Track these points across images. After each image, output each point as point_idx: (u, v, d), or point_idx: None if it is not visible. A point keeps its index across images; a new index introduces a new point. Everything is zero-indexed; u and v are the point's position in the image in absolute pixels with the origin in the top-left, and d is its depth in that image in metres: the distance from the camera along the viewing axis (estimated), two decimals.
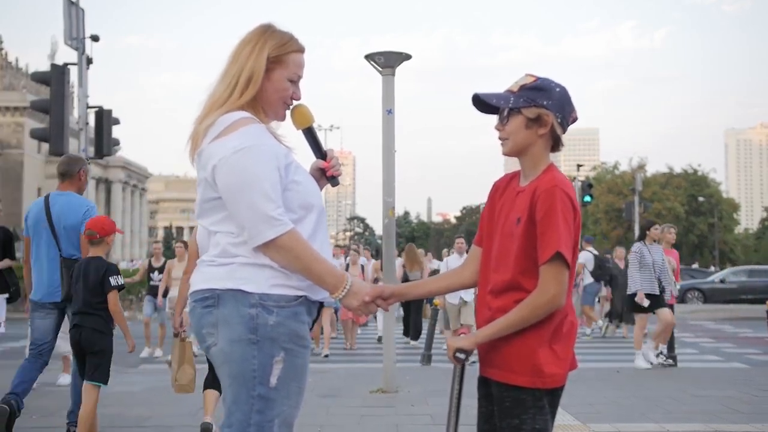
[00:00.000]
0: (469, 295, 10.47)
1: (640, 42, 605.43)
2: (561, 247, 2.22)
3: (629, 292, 9.45)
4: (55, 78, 11.08)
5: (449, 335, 11.95)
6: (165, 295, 11.32)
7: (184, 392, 3.94)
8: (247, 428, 2.31)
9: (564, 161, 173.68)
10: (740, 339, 14.58)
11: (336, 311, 12.67)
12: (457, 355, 2.33)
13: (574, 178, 34.99)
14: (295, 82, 2.51)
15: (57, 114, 10.95)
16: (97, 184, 72.25)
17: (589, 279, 14.35)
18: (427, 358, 10.20)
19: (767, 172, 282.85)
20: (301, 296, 2.37)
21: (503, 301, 2.31)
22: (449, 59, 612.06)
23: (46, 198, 5.52)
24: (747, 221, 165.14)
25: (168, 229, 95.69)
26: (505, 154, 2.42)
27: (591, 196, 27.21)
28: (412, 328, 13.63)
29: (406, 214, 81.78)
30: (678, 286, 10.19)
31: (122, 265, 34.89)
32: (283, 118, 2.56)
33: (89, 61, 11.82)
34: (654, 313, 9.29)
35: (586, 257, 14.24)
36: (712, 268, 44.06)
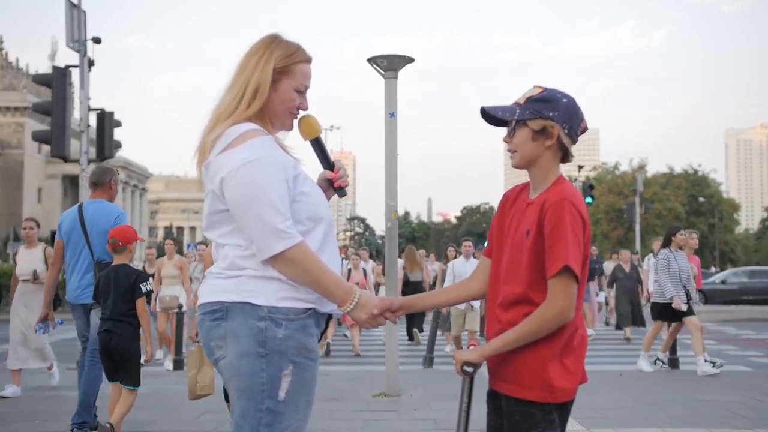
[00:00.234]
0: (476, 301, 10.45)
1: (639, 42, 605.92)
2: (569, 260, 2.20)
3: (657, 299, 9.30)
4: (57, 80, 11.06)
5: (450, 339, 11.95)
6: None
7: (205, 393, 3.96)
8: None
9: None
10: (742, 341, 14.57)
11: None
12: (465, 368, 2.32)
13: (575, 179, 34.97)
14: (302, 92, 2.50)
15: (58, 116, 10.93)
16: None
17: None
18: (429, 361, 10.18)
19: (767, 172, 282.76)
20: (309, 309, 2.36)
21: (512, 315, 2.30)
22: (449, 59, 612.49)
23: (80, 206, 5.97)
24: (747, 221, 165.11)
25: (168, 229, 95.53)
26: (515, 166, 2.41)
27: (592, 197, 27.21)
28: (416, 322, 13.93)
29: (407, 214, 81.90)
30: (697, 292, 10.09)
31: None
32: (290, 129, 2.54)
33: (91, 63, 11.78)
34: (681, 321, 9.17)
35: None
36: (713, 269, 44.03)
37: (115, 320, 5.05)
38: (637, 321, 14.32)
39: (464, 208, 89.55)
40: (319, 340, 2.44)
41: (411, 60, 7.85)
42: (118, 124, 11.86)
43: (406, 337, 14.22)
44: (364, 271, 12.86)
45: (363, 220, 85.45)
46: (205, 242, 12.17)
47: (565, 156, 2.39)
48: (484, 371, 2.37)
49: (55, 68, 11.29)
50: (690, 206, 62.69)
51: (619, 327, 14.91)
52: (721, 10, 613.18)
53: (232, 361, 2.32)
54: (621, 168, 67.69)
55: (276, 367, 2.29)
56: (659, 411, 6.67)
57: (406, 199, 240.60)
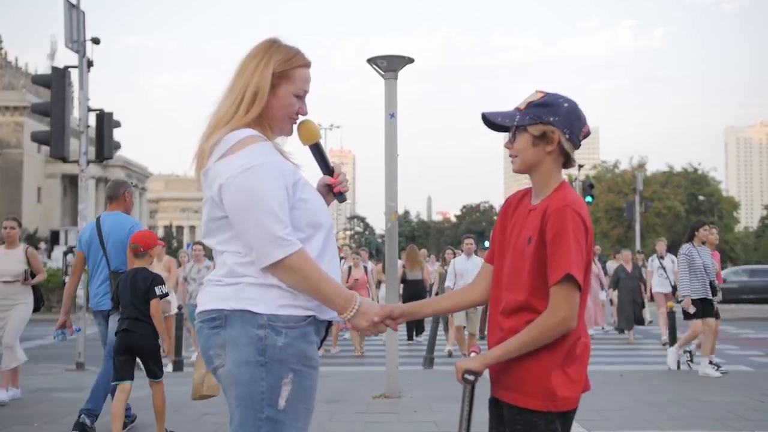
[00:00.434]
0: None
1: (639, 42, 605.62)
2: (571, 268, 2.18)
3: (679, 297, 9.07)
4: (56, 81, 11.01)
5: (450, 339, 11.94)
6: None
7: (211, 393, 3.95)
8: None
9: None
10: (742, 340, 14.55)
11: None
12: (466, 376, 2.30)
13: (575, 177, 34.93)
14: (301, 97, 2.47)
15: (58, 117, 10.89)
16: (97, 183, 72.04)
17: None
18: (429, 361, 10.18)
19: (767, 170, 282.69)
20: (309, 316, 2.33)
21: (515, 322, 2.28)
22: (449, 59, 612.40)
23: (98, 218, 6.29)
24: (747, 220, 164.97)
25: (168, 228, 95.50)
26: (516, 171, 2.39)
27: (592, 196, 27.17)
28: (416, 322, 13.90)
29: (407, 213, 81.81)
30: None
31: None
32: (289, 134, 2.52)
33: (90, 63, 11.72)
34: (701, 318, 8.84)
35: None
36: None
37: (134, 319, 5.40)
38: (638, 321, 14.33)
39: (464, 206, 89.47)
40: (318, 347, 2.42)
41: (411, 60, 7.82)
42: (118, 124, 11.81)
43: (406, 338, 14.23)
44: (365, 268, 12.85)
45: (363, 219, 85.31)
46: (201, 242, 12.16)
47: (567, 161, 2.36)
48: (486, 375, 2.35)
49: (54, 69, 11.24)
50: (690, 205, 62.61)
51: (620, 329, 14.87)
52: (721, 10, 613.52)
53: (231, 369, 2.29)
54: (621, 166, 67.60)
55: (276, 375, 2.27)
56: (660, 412, 6.66)
57: (405, 197, 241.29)
